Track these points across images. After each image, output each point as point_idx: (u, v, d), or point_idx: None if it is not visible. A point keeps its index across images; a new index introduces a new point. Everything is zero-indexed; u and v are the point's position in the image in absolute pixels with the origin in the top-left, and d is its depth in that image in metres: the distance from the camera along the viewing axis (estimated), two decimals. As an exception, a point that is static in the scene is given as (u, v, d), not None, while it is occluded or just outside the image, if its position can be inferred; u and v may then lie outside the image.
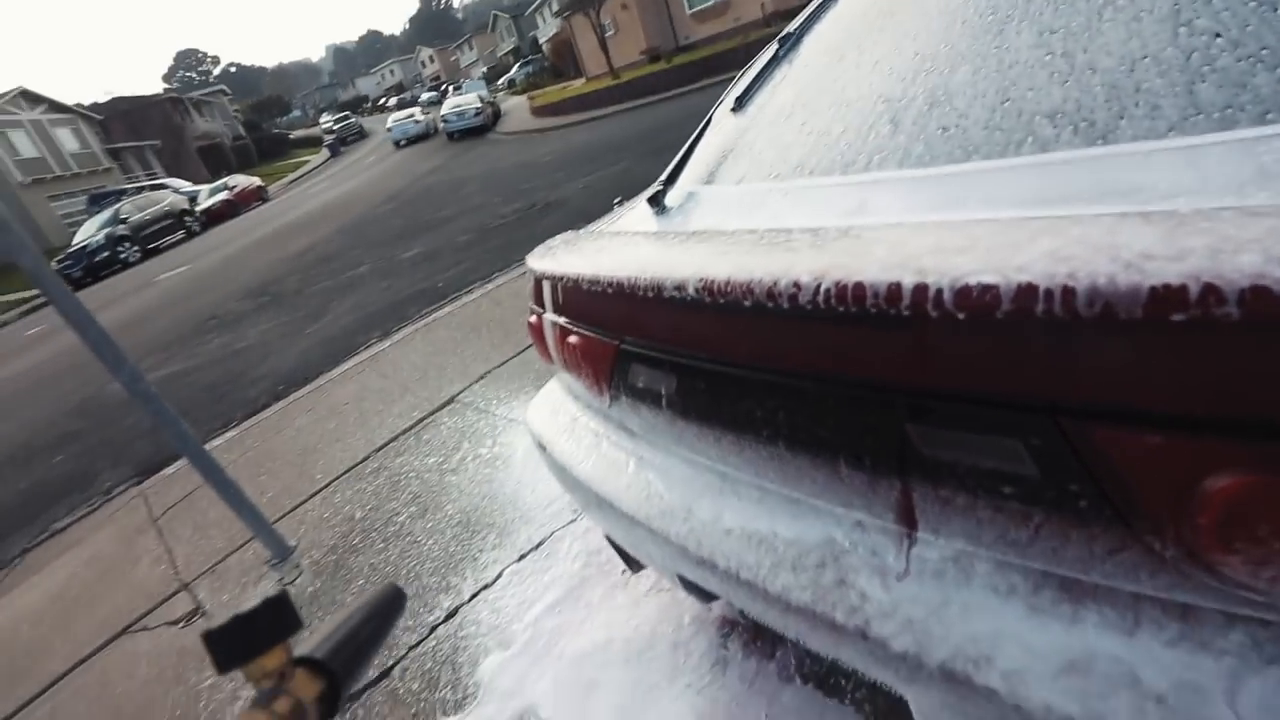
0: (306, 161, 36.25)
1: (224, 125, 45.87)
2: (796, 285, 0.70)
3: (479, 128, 21.99)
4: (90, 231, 18.75)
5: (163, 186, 24.66)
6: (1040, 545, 0.66)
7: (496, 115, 24.68)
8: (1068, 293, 0.51)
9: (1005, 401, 0.63)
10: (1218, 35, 0.71)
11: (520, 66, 42.40)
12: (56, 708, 2.09)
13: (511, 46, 56.43)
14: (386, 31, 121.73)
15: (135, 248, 18.54)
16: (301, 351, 5.10)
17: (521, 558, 1.89)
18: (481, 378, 3.23)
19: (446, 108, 23.34)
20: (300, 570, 2.26)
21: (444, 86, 49.54)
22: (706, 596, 1.12)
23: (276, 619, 0.41)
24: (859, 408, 0.75)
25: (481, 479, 2.36)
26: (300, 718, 0.40)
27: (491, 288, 4.77)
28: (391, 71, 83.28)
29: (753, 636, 1.39)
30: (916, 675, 0.72)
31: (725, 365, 0.90)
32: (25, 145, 28.35)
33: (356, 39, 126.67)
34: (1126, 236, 0.54)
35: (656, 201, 1.32)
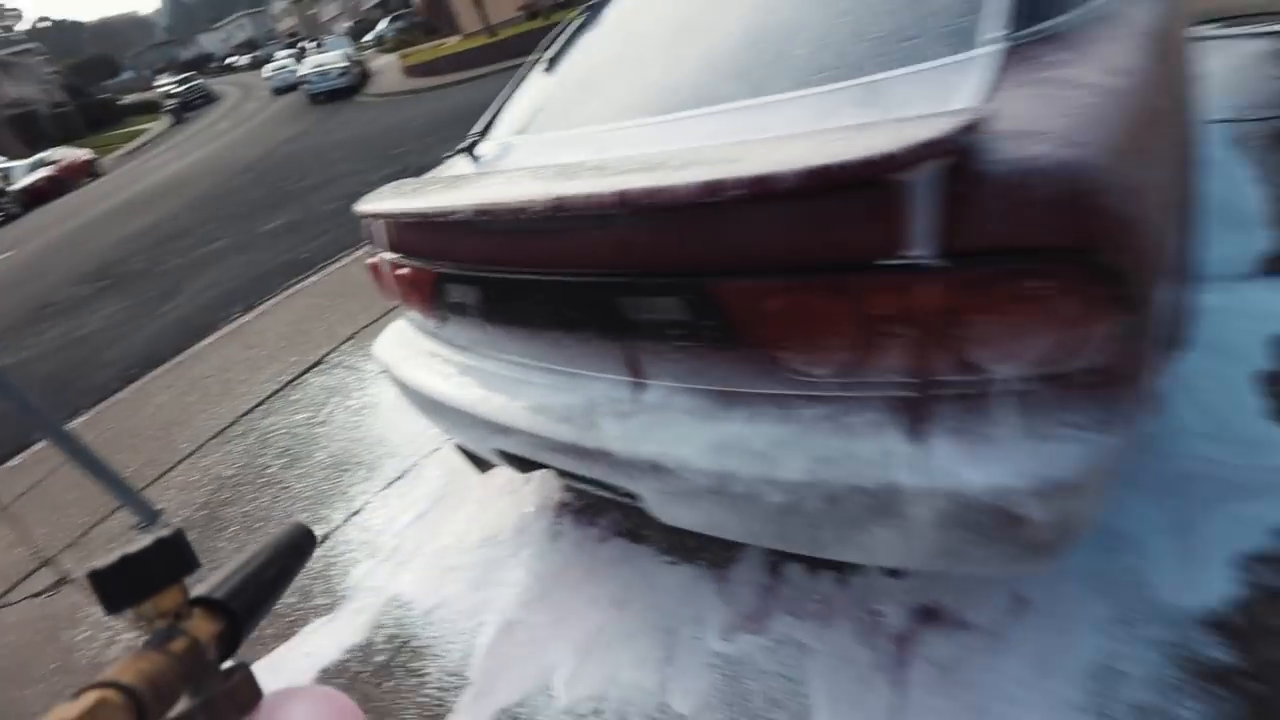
0: (145, 130, 32.27)
1: (39, 90, 39.63)
2: (539, 203, 0.94)
3: (346, 89, 20.53)
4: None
5: (-38, 163, 21.23)
6: (704, 373, 0.97)
7: (365, 76, 23.07)
8: (690, 191, 0.78)
9: (670, 272, 0.92)
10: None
11: (390, 22, 39.48)
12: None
13: (378, 0, 52.38)
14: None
15: (-65, 234, 15.98)
16: (154, 333, 4.83)
17: (388, 485, 2.08)
18: (350, 338, 3.29)
19: (308, 67, 21.58)
20: (170, 528, 2.31)
21: (302, 44, 45.30)
22: (525, 466, 1.37)
23: (171, 559, 0.41)
24: (591, 293, 1.02)
25: (350, 426, 2.50)
26: (198, 656, 0.40)
27: (360, 254, 4.73)
28: (240, 26, 74.94)
29: (580, 512, 1.69)
30: (635, 473, 1.02)
31: (508, 274, 1.15)
32: None
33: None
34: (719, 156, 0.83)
35: (470, 151, 1.52)
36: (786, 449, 0.89)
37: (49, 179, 20.07)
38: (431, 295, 1.37)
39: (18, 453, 3.57)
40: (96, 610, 2.00)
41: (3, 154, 25.32)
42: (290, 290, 4.52)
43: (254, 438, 2.71)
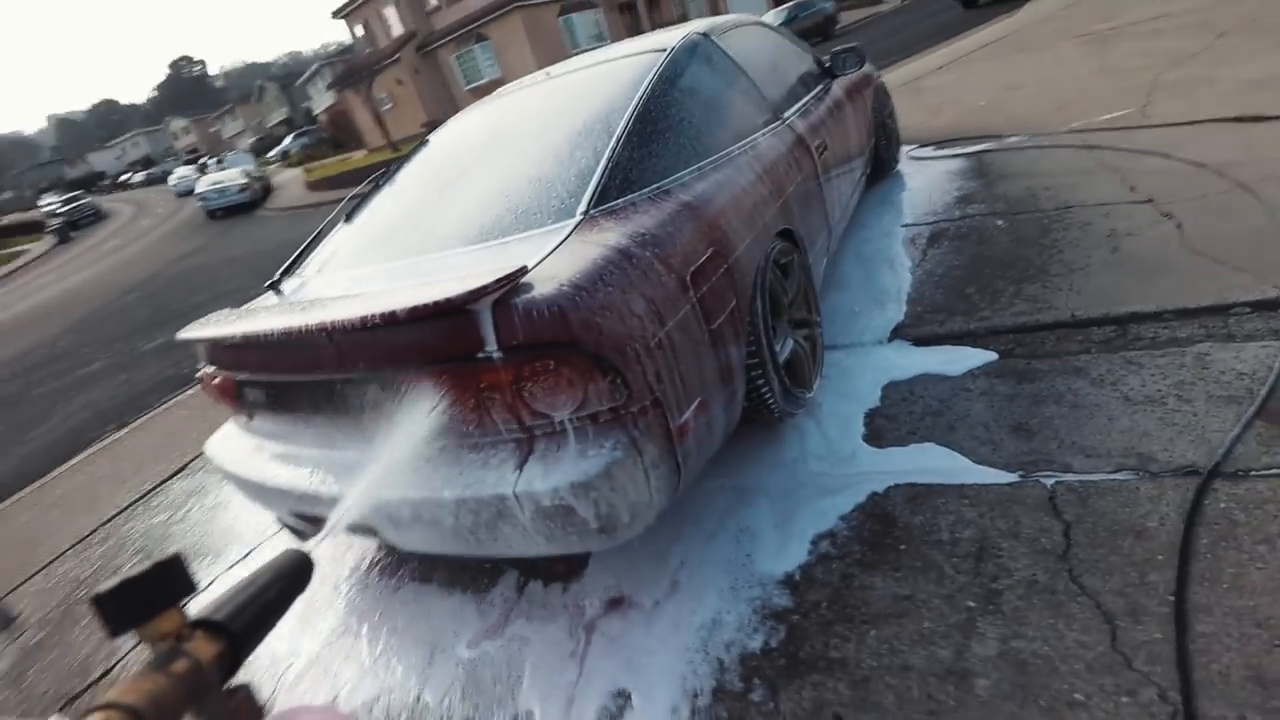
0: (24, 251, 30.74)
1: (-103, 213, 37.18)
2: (289, 329, 1.43)
3: (245, 204, 20.78)
4: None
5: None
6: (398, 436, 1.46)
7: (266, 190, 23.43)
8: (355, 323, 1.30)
9: (364, 370, 1.42)
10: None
11: (295, 137, 40.48)
12: None
13: (283, 117, 53.61)
14: (125, 100, 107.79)
15: None
16: (21, 458, 4.83)
17: (230, 567, 2.38)
18: (216, 444, 3.56)
19: (205, 184, 21.74)
20: (23, 628, 2.48)
21: (202, 160, 45.25)
22: (315, 524, 1.78)
23: (169, 582, 0.41)
24: (326, 388, 1.50)
25: (204, 521, 2.78)
26: (199, 678, 0.40)
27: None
28: (135, 144, 73.93)
29: (385, 568, 2.08)
30: (371, 515, 1.47)
31: (280, 378, 1.62)
32: None
33: (86, 109, 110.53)
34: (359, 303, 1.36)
35: (275, 286, 2.01)
36: (450, 481, 1.38)
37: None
38: (237, 397, 1.81)
39: None
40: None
41: None
42: (166, 405, 4.70)
43: (113, 542, 2.91)
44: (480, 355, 1.29)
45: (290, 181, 25.86)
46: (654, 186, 1.71)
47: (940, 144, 4.63)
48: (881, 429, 2.03)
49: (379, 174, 2.41)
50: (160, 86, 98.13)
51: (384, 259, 1.82)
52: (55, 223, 32.85)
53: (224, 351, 1.76)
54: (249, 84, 67.88)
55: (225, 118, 64.14)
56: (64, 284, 16.36)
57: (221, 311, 1.95)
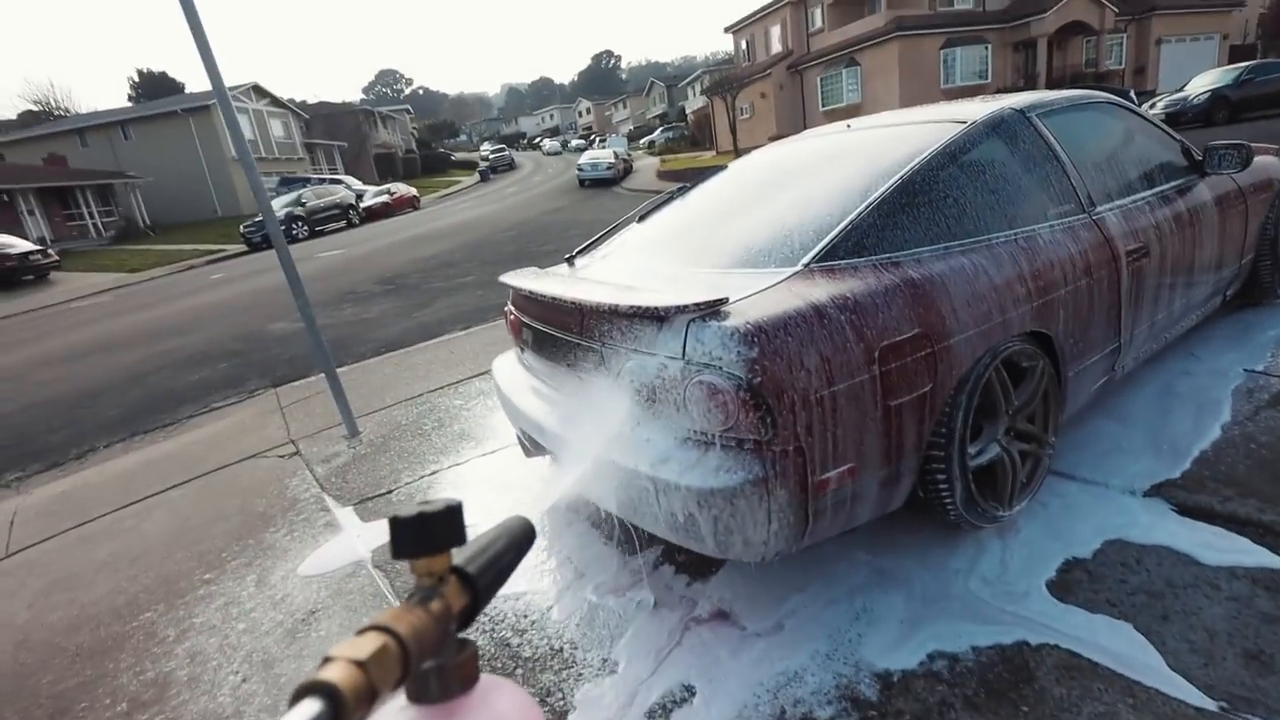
0: (458, 182, 40.84)
1: (401, 139, 52.51)
2: (549, 294, 1.91)
3: (609, 179, 24.44)
4: (276, 207, 22.58)
5: (339, 182, 29.00)
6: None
7: (627, 171, 27.17)
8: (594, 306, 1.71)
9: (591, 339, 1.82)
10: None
11: (662, 131, 45.99)
12: (206, 484, 3.52)
13: (660, 111, 60.92)
14: (557, 80, 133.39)
15: (305, 228, 22.10)
16: (403, 329, 6.71)
17: (485, 455, 3.12)
18: (509, 364, 4.55)
19: (584, 158, 26.09)
20: (359, 444, 3.61)
21: (592, 137, 54.29)
22: (532, 447, 2.29)
23: (449, 526, 0.44)
24: (568, 345, 1.95)
25: (481, 415, 3.65)
26: (447, 622, 0.42)
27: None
28: (551, 115, 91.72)
29: (571, 504, 2.54)
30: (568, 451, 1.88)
31: (542, 327, 2.12)
32: (245, 129, 34.29)
33: (529, 82, 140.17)
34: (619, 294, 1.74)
35: (569, 260, 2.57)
36: (619, 448, 1.70)
37: (384, 204, 26.57)
38: (519, 333, 2.39)
39: (298, 379, 5.37)
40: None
41: (363, 180, 33.98)
42: (494, 323, 6.07)
43: (425, 407, 4.00)
44: (668, 356, 1.57)
45: (647, 167, 29.55)
46: (884, 256, 1.77)
47: None
48: (1075, 583, 1.78)
49: (679, 187, 2.84)
50: (582, 73, 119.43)
51: (646, 260, 2.22)
52: (483, 165, 42.99)
53: (519, 298, 2.35)
54: (645, 79, 78.46)
55: (618, 105, 75.43)
56: (474, 211, 21.43)
57: (530, 269, 2.57)
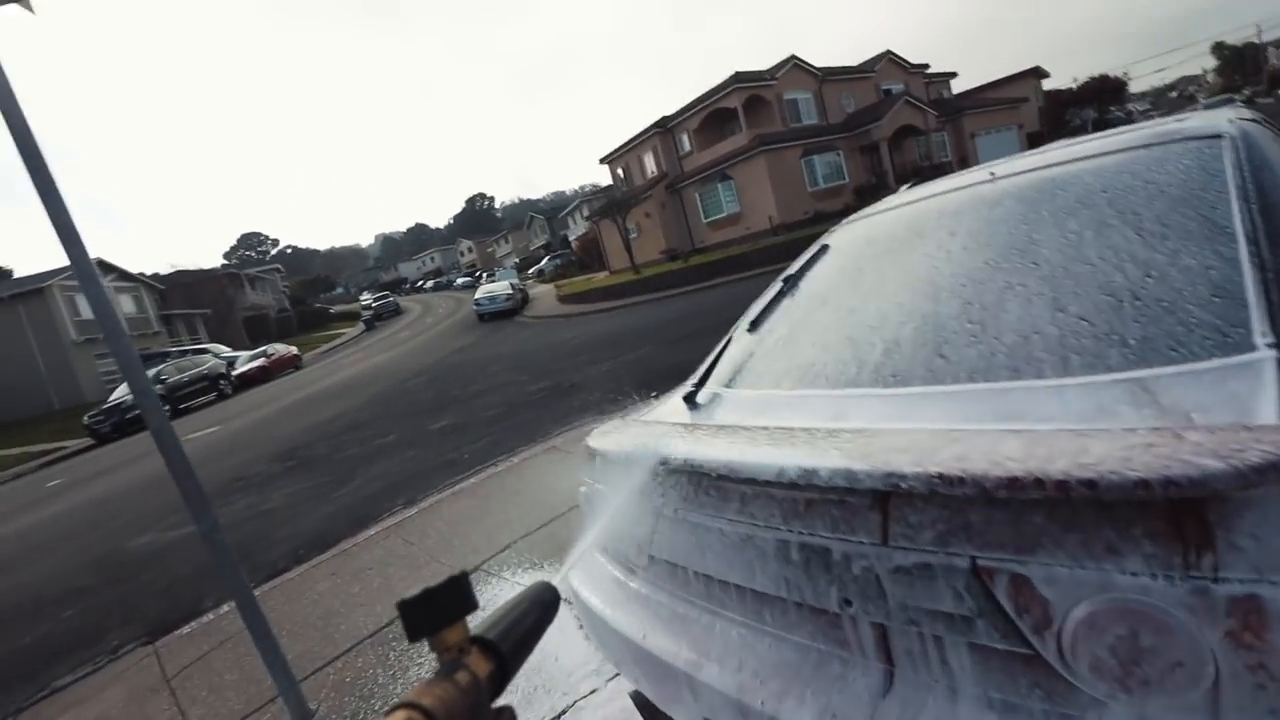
0: (342, 334, 38.77)
1: (272, 299, 49.94)
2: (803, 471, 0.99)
3: (509, 310, 23.90)
4: (127, 390, 19.77)
5: (204, 351, 26.32)
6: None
7: (525, 300, 26.88)
8: (958, 479, 0.81)
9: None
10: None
11: (550, 259, 47.02)
12: None
13: (543, 242, 62.91)
14: (432, 225, 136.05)
15: (167, 407, 19.36)
16: (326, 516, 5.28)
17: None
18: (507, 547, 3.39)
19: (480, 293, 25.57)
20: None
21: (479, 273, 54.68)
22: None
23: (458, 596, 0.45)
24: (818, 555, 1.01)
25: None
26: (476, 693, 0.42)
27: (517, 460, 5.07)
28: (432, 258, 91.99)
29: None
30: None
31: (789, 533, 1.17)
32: (86, 308, 30.84)
33: (405, 229, 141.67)
34: (1001, 446, 0.85)
35: (690, 399, 1.67)
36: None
37: (260, 368, 24.22)
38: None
39: (190, 619, 3.82)
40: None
41: (233, 347, 31.25)
42: (451, 489, 4.85)
43: (408, 644, 2.73)
44: (1232, 579, 0.69)
45: (543, 294, 29.52)
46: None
47: None
48: None
49: (781, 286, 2.06)
50: (457, 215, 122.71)
51: (872, 382, 1.36)
52: (366, 314, 41.34)
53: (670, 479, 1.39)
54: (521, 215, 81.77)
55: (499, 241, 77.30)
56: (369, 361, 19.82)
57: (621, 419, 1.64)
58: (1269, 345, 0.97)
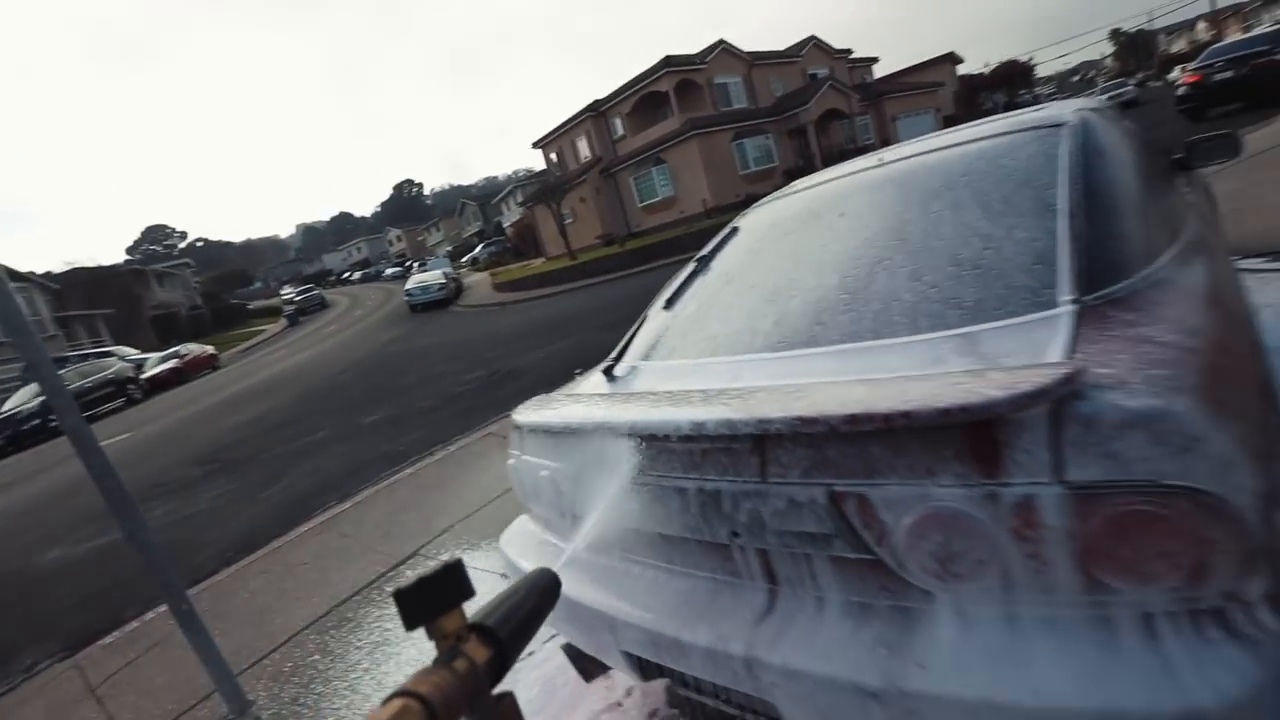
0: (262, 331, 36.87)
1: (183, 295, 46.78)
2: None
3: (443, 300, 23.33)
4: (24, 399, 18.22)
5: (108, 354, 24.47)
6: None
7: (459, 290, 26.27)
8: (812, 419, 0.96)
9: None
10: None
11: (484, 246, 45.97)
12: None
13: (477, 229, 61.40)
14: (358, 214, 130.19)
15: (71, 415, 17.97)
16: (253, 517, 5.14)
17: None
18: (445, 531, 3.45)
19: (411, 283, 24.82)
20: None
21: (409, 263, 52.87)
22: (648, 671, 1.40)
23: (453, 584, 0.45)
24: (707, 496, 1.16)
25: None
26: (474, 679, 0.43)
27: (454, 449, 5.08)
28: (359, 248, 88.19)
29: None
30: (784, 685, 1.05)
31: (678, 479, 1.31)
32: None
33: (328, 219, 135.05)
34: (850, 393, 1.01)
35: (608, 372, 1.79)
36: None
37: (173, 370, 22.76)
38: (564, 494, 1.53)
39: (112, 629, 3.69)
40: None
41: (141, 349, 29.19)
42: (386, 481, 4.82)
43: (348, 628, 2.76)
44: (1015, 484, 0.88)
45: (479, 283, 28.94)
46: (1143, 275, 1.28)
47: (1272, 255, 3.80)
48: None
49: (694, 266, 2.20)
50: (384, 204, 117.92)
51: (764, 348, 1.52)
52: (289, 309, 39.38)
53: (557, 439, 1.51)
54: (453, 202, 79.38)
55: (431, 229, 74.89)
56: (294, 358, 18.99)
57: (542, 397, 1.75)
58: (1068, 301, 1.17)
